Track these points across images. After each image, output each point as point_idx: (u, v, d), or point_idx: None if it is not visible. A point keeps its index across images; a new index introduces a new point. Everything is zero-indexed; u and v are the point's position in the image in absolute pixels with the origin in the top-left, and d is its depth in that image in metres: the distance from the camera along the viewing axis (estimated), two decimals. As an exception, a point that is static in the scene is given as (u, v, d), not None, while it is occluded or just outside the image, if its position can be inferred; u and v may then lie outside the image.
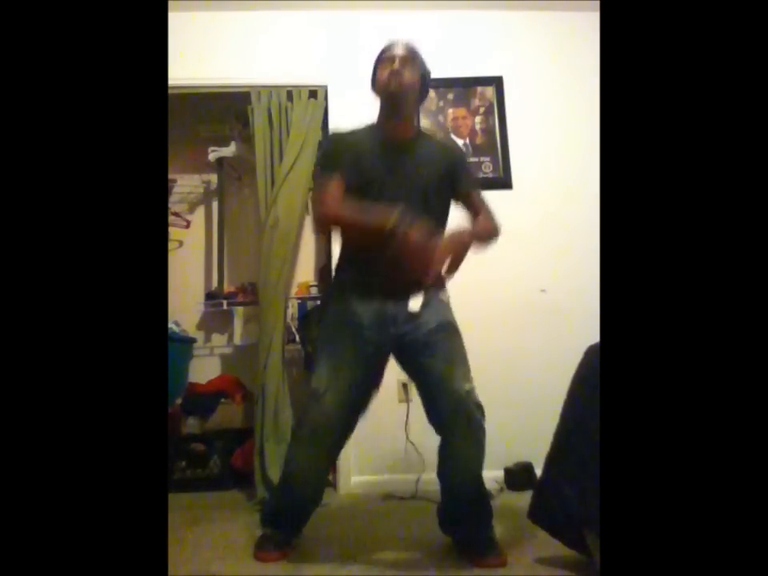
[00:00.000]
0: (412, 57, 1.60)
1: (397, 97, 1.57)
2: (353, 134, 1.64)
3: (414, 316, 1.52)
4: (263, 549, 1.57)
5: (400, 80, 1.55)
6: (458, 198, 1.67)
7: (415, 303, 1.53)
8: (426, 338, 1.52)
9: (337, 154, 1.60)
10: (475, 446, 1.51)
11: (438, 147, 1.68)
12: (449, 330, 1.55)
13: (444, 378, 1.49)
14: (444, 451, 1.54)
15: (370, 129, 1.65)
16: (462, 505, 1.54)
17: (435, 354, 1.51)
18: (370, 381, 1.59)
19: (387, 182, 1.54)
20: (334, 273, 1.66)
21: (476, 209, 1.65)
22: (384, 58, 1.61)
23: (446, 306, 1.60)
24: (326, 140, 1.64)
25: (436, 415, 1.53)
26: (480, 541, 1.52)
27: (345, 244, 1.65)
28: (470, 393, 1.50)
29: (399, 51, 1.59)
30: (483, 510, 1.54)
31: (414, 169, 1.58)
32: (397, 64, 1.56)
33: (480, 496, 1.54)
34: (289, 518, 1.61)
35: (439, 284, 1.58)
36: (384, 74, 1.57)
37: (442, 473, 1.56)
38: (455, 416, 1.48)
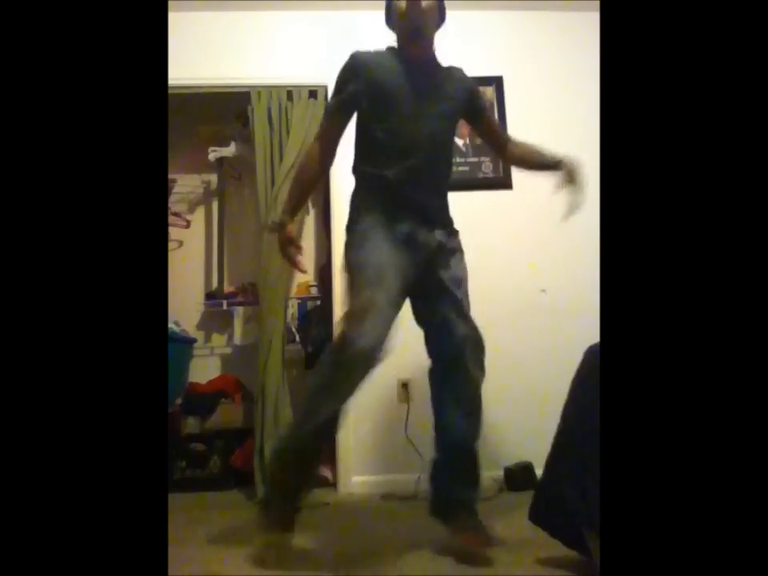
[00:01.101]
0: None
1: (417, 25, 1.57)
2: (375, 54, 1.64)
3: (438, 245, 1.55)
4: (267, 525, 1.47)
5: (419, 8, 1.54)
6: (480, 126, 1.75)
7: (440, 234, 1.57)
8: (446, 273, 1.55)
9: (354, 71, 1.60)
10: (474, 386, 1.52)
11: (459, 77, 1.70)
12: (460, 276, 1.60)
13: (454, 315, 1.52)
14: (441, 385, 1.55)
15: (391, 50, 1.65)
16: (455, 445, 1.54)
17: (448, 291, 1.54)
18: (402, 298, 1.51)
19: (409, 99, 1.55)
20: (351, 205, 1.62)
21: (502, 136, 1.77)
22: None
23: (462, 252, 1.65)
24: (349, 57, 1.64)
25: (442, 352, 1.54)
26: (462, 505, 1.51)
27: (363, 178, 1.62)
28: (478, 333, 1.55)
29: None
30: (472, 467, 1.54)
31: (437, 90, 1.60)
32: None
33: (472, 440, 1.54)
34: (298, 458, 1.45)
35: (455, 230, 1.65)
36: (401, 5, 1.56)
37: (443, 415, 1.56)
38: (461, 354, 1.50)
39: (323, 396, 1.41)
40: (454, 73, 1.69)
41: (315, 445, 1.47)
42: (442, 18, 1.66)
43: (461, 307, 1.55)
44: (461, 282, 1.58)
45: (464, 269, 1.62)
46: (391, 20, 1.66)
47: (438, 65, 1.67)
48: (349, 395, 1.42)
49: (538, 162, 1.73)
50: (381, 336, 1.36)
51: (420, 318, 1.61)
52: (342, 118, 1.62)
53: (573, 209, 1.59)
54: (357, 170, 1.64)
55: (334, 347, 1.41)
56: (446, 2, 1.67)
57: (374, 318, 1.35)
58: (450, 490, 1.55)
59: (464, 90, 1.66)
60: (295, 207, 1.63)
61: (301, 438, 1.45)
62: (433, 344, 1.58)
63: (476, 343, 1.55)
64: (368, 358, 1.36)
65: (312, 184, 1.65)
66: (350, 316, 1.40)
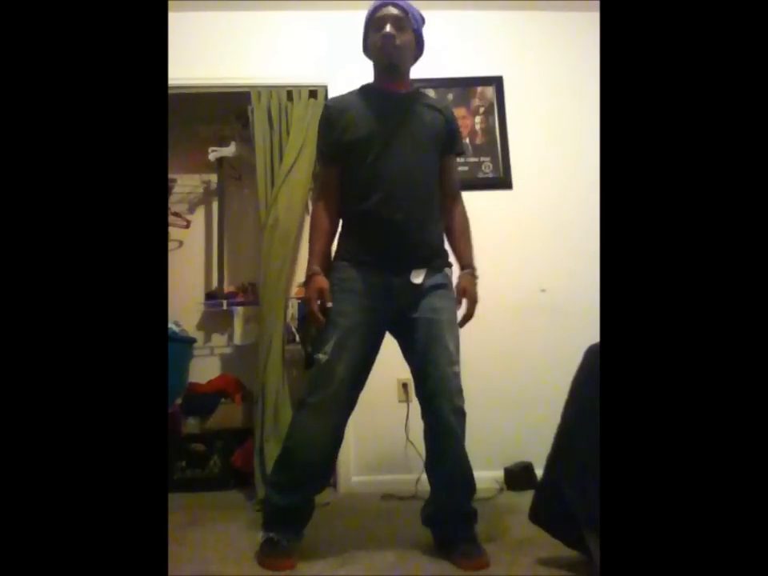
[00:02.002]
0: (403, 14, 1.54)
1: (391, 61, 1.56)
2: (347, 97, 1.64)
3: (414, 289, 1.52)
4: (270, 555, 1.46)
5: (393, 44, 1.52)
6: (443, 161, 1.64)
7: (417, 276, 1.53)
8: (424, 314, 1.51)
9: (328, 121, 1.60)
10: (458, 426, 1.50)
11: (432, 103, 1.67)
12: (446, 311, 1.54)
13: (433, 356, 1.49)
14: (433, 431, 1.53)
15: (365, 88, 1.65)
16: (455, 492, 1.53)
17: (429, 331, 1.51)
18: (372, 354, 1.56)
19: (386, 133, 1.53)
20: (336, 245, 1.62)
21: (455, 185, 1.68)
22: (374, 20, 1.56)
23: (449, 287, 1.59)
24: (323, 109, 1.65)
25: (423, 391, 1.53)
26: (465, 540, 1.49)
27: (345, 217, 1.61)
28: (456, 375, 1.50)
29: (389, 11, 1.53)
30: (470, 506, 1.54)
31: (411, 119, 1.57)
32: (389, 27, 1.52)
33: (470, 485, 1.53)
34: (294, 503, 1.49)
35: (443, 262, 1.61)
36: (376, 38, 1.54)
37: (434, 458, 1.55)
38: (440, 395, 1.48)
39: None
40: (436, 102, 1.69)
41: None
42: (420, 50, 1.65)
43: (439, 349, 1.50)
44: (436, 322, 1.52)
45: (446, 308, 1.55)
46: (368, 50, 1.64)
47: (415, 95, 1.65)
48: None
49: (460, 248, 1.67)
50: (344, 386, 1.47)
51: (404, 356, 1.60)
52: (333, 167, 1.61)
53: (465, 321, 1.59)
54: (342, 211, 1.62)
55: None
56: (445, 2, 1.67)
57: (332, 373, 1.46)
58: (449, 529, 1.53)
59: (445, 121, 1.63)
60: (319, 258, 1.59)
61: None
62: (416, 388, 1.57)
63: (451, 389, 1.49)
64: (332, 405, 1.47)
65: (329, 235, 1.62)
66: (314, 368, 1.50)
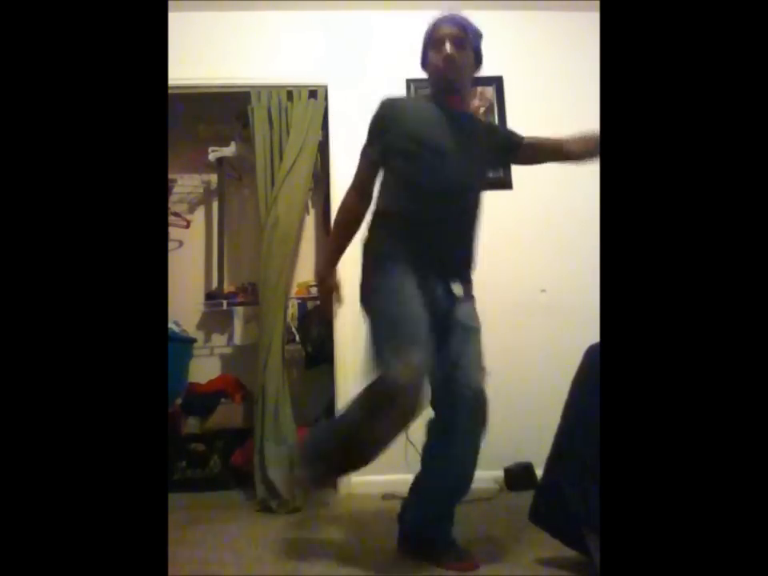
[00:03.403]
0: (464, 32, 1.53)
1: (452, 84, 1.54)
2: (408, 101, 1.65)
3: (454, 298, 1.51)
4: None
5: (455, 65, 1.51)
6: (523, 153, 1.66)
7: (456, 287, 1.53)
8: (459, 324, 1.50)
9: (389, 120, 1.54)
10: (475, 442, 1.47)
11: (493, 129, 1.71)
12: (475, 327, 1.54)
13: (463, 366, 1.47)
14: (442, 443, 1.49)
15: (426, 98, 1.63)
16: (447, 502, 1.50)
17: (462, 341, 1.49)
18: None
19: (443, 145, 1.51)
20: (369, 242, 1.57)
21: (546, 145, 1.66)
22: (434, 39, 1.53)
23: (474, 305, 1.60)
24: (379, 105, 1.58)
25: (445, 403, 1.48)
26: (449, 543, 1.48)
27: (386, 217, 1.55)
28: (484, 391, 1.47)
29: (449, 30, 1.51)
30: (452, 511, 1.52)
31: (469, 140, 1.56)
32: (448, 47, 1.50)
33: (462, 494, 1.51)
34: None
35: (470, 275, 1.61)
36: (437, 58, 1.52)
37: (434, 466, 1.51)
38: (465, 409, 1.44)
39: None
40: (491, 128, 1.71)
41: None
42: (478, 66, 1.62)
43: (471, 358, 1.49)
44: (471, 331, 1.52)
45: (476, 319, 1.56)
46: (426, 66, 1.61)
47: (474, 118, 1.65)
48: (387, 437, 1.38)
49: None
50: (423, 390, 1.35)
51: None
52: (376, 166, 1.58)
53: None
54: (381, 208, 1.58)
55: (372, 390, 1.38)
56: (446, 2, 1.66)
57: (417, 382, 1.33)
58: (423, 529, 1.52)
59: (496, 143, 1.64)
60: (337, 257, 1.60)
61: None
62: (435, 395, 1.51)
63: (478, 400, 1.47)
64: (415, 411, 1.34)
65: (353, 233, 1.59)
66: (386, 379, 1.34)
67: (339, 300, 1.64)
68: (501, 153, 1.67)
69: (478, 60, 1.61)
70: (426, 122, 1.55)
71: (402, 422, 1.35)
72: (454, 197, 1.52)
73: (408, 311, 1.41)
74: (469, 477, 1.49)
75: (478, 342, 1.52)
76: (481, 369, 1.50)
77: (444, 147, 1.51)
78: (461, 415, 1.45)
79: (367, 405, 1.39)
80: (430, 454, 1.52)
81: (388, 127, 1.54)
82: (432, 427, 1.52)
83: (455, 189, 1.51)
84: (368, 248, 1.55)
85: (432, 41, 1.54)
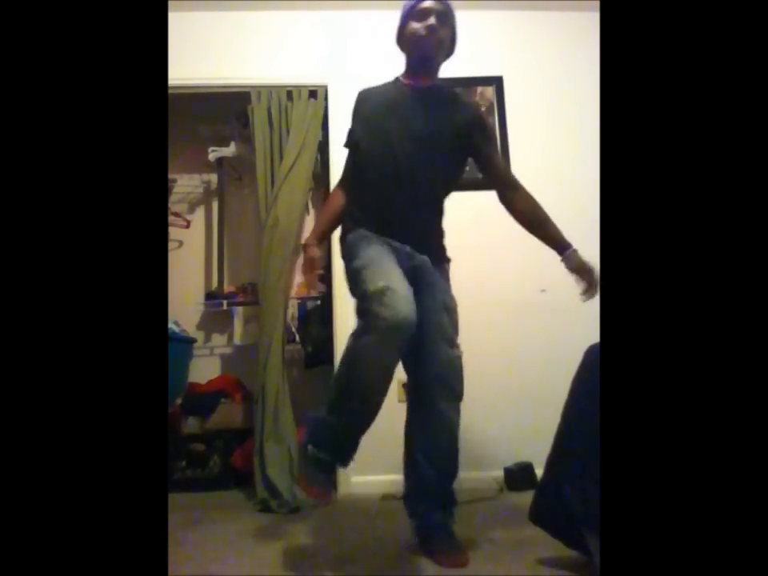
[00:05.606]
0: (448, 11, 1.53)
1: (427, 53, 1.54)
2: (377, 87, 1.66)
3: (427, 264, 1.53)
4: (312, 480, 1.37)
5: (437, 36, 1.50)
6: (479, 163, 1.63)
7: (427, 258, 1.54)
8: (427, 287, 1.50)
9: (355, 110, 1.64)
10: (454, 412, 1.49)
11: (456, 100, 1.64)
12: (447, 293, 1.57)
13: (438, 336, 1.48)
14: (424, 416, 1.51)
15: (395, 81, 1.65)
16: (439, 479, 1.51)
17: (434, 306, 1.49)
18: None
19: (400, 125, 1.52)
20: (344, 225, 1.63)
21: (502, 179, 1.63)
22: (417, 11, 1.52)
23: (447, 278, 1.61)
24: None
25: (421, 375, 1.50)
26: (442, 531, 1.48)
27: (355, 193, 1.61)
28: (459, 359, 1.49)
29: (434, 4, 1.51)
30: (451, 493, 1.53)
31: (423, 115, 1.54)
32: (434, 19, 1.49)
33: (454, 469, 1.52)
34: (349, 422, 1.40)
35: (443, 257, 1.62)
36: (417, 27, 1.51)
37: (421, 437, 1.53)
38: (441, 377, 1.47)
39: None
40: (459, 99, 1.66)
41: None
42: (452, 49, 1.63)
43: (443, 331, 1.50)
44: (447, 308, 1.53)
45: (451, 297, 1.56)
46: (402, 41, 1.62)
47: (441, 91, 1.63)
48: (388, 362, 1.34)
49: (543, 236, 1.63)
50: (409, 307, 1.31)
51: None
52: (351, 154, 1.67)
53: (591, 293, 1.57)
54: (347, 189, 1.66)
55: (362, 326, 1.34)
56: (445, 2, 1.67)
57: (396, 297, 1.30)
58: (424, 517, 1.52)
59: (466, 120, 1.58)
60: (323, 233, 1.68)
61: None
62: (409, 365, 1.53)
63: (453, 369, 1.50)
64: (402, 324, 1.29)
65: (337, 215, 1.67)
66: (371, 301, 1.31)
67: (321, 279, 1.65)
68: (460, 133, 1.58)
69: (452, 46, 1.62)
70: (380, 103, 1.58)
71: (396, 334, 1.30)
72: (409, 167, 1.51)
73: (384, 261, 1.43)
74: (455, 439, 1.51)
75: (452, 317, 1.54)
76: (454, 342, 1.51)
77: (398, 125, 1.52)
78: (436, 388, 1.48)
79: (357, 332, 1.35)
80: (408, 430, 1.57)
81: (355, 117, 1.63)
82: (410, 399, 1.56)
83: (407, 160, 1.50)
84: (341, 236, 1.62)
85: (415, 12, 1.54)
